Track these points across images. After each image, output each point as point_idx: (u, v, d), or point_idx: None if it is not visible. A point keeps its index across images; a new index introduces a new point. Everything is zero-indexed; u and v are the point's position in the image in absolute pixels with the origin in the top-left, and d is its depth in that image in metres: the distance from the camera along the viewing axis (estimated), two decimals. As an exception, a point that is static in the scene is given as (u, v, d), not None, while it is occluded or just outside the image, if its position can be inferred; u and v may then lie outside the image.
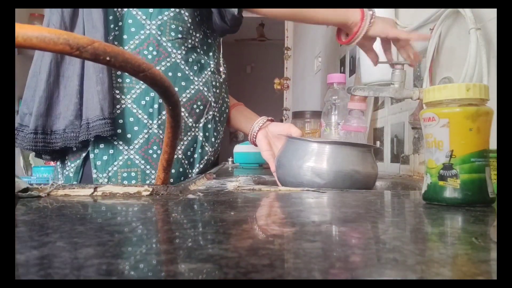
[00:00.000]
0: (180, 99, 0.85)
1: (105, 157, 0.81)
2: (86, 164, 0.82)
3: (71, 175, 0.83)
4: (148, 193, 0.52)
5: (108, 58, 0.44)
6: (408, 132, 1.02)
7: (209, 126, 0.91)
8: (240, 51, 5.67)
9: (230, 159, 1.78)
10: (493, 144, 0.43)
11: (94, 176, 0.81)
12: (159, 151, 0.83)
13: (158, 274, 0.21)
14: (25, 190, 0.48)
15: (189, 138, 0.89)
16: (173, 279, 0.20)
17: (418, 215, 0.41)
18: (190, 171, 0.90)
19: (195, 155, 0.90)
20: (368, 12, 0.82)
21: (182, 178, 0.88)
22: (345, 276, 0.21)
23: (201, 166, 0.92)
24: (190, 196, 0.51)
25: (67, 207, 0.44)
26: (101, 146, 0.81)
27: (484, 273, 0.21)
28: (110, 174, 0.81)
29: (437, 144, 0.45)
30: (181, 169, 0.88)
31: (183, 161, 0.88)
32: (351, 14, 0.82)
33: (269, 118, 0.97)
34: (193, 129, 0.89)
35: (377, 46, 1.04)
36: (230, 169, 1.39)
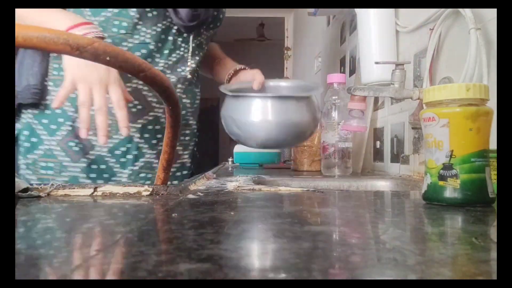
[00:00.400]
0: None
1: (27, 144, 0.82)
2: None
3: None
4: (148, 193, 0.52)
5: (108, 58, 0.44)
6: (408, 132, 1.02)
7: (150, 127, 0.88)
8: (240, 51, 5.66)
9: (230, 159, 1.78)
10: (493, 144, 0.43)
11: (17, 162, 0.82)
12: (80, 145, 0.83)
13: (158, 274, 0.21)
14: (25, 190, 0.48)
15: (121, 137, 0.85)
16: (173, 279, 0.20)
17: (418, 215, 0.41)
18: (120, 170, 0.87)
19: (128, 156, 0.87)
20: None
21: (104, 175, 0.86)
22: (345, 276, 0.21)
23: (136, 168, 0.88)
24: (190, 196, 0.51)
25: (67, 207, 0.44)
26: (26, 133, 0.82)
27: (484, 273, 0.21)
28: (29, 161, 0.83)
29: (437, 144, 0.45)
30: (104, 166, 0.86)
31: (107, 158, 0.86)
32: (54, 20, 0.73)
33: (242, 67, 1.03)
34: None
35: (376, 42, 1.04)
36: (230, 169, 1.39)
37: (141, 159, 0.89)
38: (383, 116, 1.18)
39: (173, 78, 0.92)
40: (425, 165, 0.47)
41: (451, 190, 0.43)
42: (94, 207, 0.45)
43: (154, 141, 0.89)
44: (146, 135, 0.88)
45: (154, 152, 0.90)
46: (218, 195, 0.53)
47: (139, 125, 0.87)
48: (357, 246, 0.27)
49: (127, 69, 0.47)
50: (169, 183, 0.75)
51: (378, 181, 0.90)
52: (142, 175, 0.89)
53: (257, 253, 0.25)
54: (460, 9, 0.76)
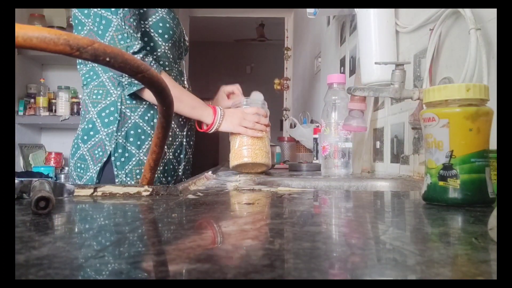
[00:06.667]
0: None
1: (122, 159, 1.03)
2: (107, 166, 1.03)
3: (94, 175, 1.02)
4: (148, 193, 0.52)
5: (107, 59, 0.44)
6: (408, 132, 1.02)
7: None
8: (240, 51, 5.66)
9: (230, 159, 1.77)
10: (493, 144, 0.43)
11: (115, 173, 1.01)
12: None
13: (158, 274, 0.21)
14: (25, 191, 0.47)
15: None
16: (173, 279, 0.20)
17: (418, 215, 0.41)
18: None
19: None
20: (219, 113, 1.05)
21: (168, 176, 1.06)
22: (345, 276, 0.21)
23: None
24: (190, 196, 0.51)
25: (67, 207, 0.44)
26: (119, 151, 1.02)
27: (484, 273, 0.21)
28: (127, 171, 1.02)
29: (437, 145, 0.45)
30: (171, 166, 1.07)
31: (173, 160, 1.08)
32: (206, 116, 1.06)
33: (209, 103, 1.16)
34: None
35: (376, 42, 1.04)
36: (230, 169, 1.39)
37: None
38: (383, 116, 1.18)
39: None
40: (425, 165, 0.47)
41: (451, 190, 0.43)
42: (94, 207, 0.45)
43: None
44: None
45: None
46: (218, 195, 0.53)
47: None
48: (357, 246, 0.27)
49: (126, 70, 0.47)
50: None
51: (378, 181, 0.90)
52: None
53: (257, 253, 0.25)
54: (460, 9, 0.76)
